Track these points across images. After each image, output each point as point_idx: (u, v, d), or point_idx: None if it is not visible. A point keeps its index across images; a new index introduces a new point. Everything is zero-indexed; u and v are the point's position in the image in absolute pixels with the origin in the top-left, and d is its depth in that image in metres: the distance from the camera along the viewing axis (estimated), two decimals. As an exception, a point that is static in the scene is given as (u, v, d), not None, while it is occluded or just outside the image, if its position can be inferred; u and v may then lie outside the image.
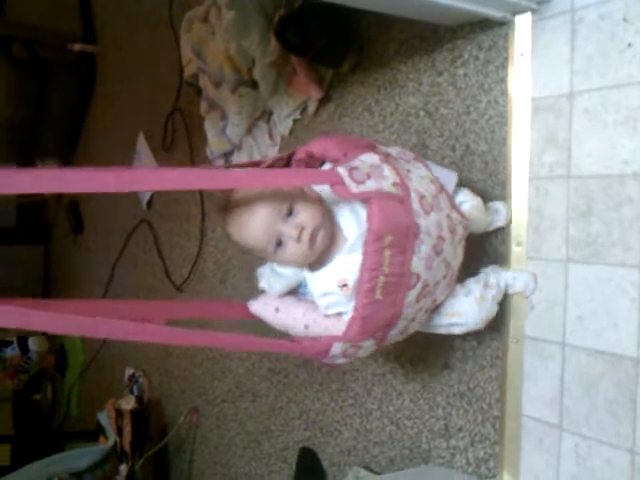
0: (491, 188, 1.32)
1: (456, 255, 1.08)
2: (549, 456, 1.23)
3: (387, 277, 0.93)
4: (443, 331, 1.16)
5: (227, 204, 0.99)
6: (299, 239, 0.96)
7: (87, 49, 3.43)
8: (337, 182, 0.92)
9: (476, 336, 1.34)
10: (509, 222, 1.28)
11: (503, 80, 1.30)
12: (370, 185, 0.92)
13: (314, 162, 1.05)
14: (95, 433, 2.76)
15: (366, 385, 1.64)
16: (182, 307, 1.21)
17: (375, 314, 0.94)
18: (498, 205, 1.28)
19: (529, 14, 1.25)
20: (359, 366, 1.66)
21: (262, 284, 1.08)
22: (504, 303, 1.29)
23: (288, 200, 0.96)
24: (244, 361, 2.17)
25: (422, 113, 1.49)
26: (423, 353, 1.47)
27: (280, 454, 1.99)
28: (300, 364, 1.89)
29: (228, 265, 2.26)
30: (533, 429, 1.25)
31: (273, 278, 1.06)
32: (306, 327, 1.01)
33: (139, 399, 2.75)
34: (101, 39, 3.49)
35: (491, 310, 1.18)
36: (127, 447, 2.58)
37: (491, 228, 1.30)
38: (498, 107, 1.31)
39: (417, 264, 0.96)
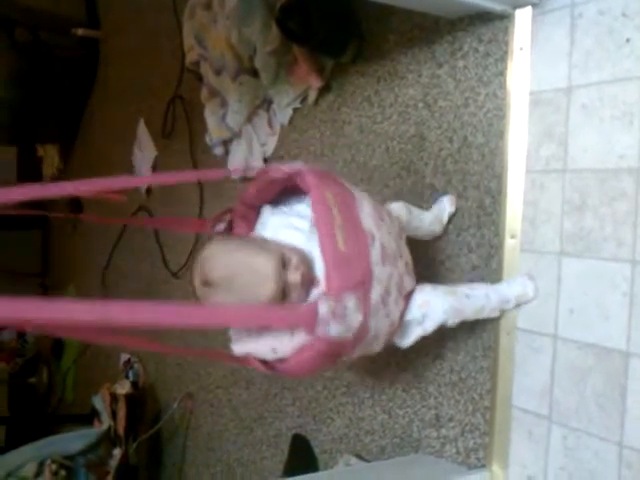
0: (487, 181, 1.33)
1: (400, 245, 1.11)
2: (538, 447, 1.24)
3: (343, 228, 0.97)
4: (419, 331, 1.17)
5: (214, 278, 1.00)
6: (303, 282, 1.00)
7: (90, 34, 3.42)
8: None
9: (468, 327, 1.35)
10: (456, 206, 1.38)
11: (502, 73, 1.31)
12: (299, 165, 1.04)
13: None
14: (90, 417, 2.77)
15: (359, 373, 1.65)
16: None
17: (345, 264, 0.96)
18: (441, 199, 1.38)
19: (529, 8, 1.26)
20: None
21: None
22: (497, 295, 1.30)
23: (278, 251, 1.00)
24: (239, 348, 2.18)
25: (421, 105, 1.49)
26: (416, 343, 1.48)
27: (273, 440, 2.00)
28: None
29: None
30: (523, 420, 1.26)
31: None
32: (273, 351, 1.01)
33: (134, 384, 2.76)
34: (104, 24, 3.48)
35: (463, 307, 1.19)
36: (121, 431, 2.59)
37: (445, 219, 1.38)
38: (496, 100, 1.32)
39: (367, 221, 1.02)
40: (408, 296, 1.13)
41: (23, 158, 3.94)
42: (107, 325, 0.80)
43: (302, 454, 1.82)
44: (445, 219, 1.38)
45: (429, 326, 1.16)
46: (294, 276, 0.99)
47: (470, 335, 1.36)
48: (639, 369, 1.08)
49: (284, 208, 1.11)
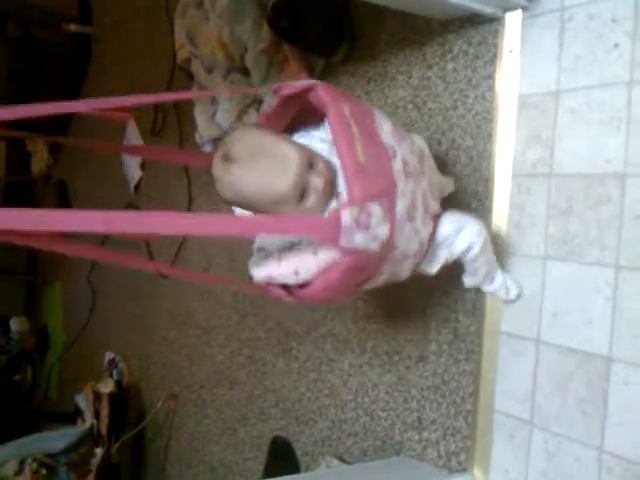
0: (474, 183, 1.33)
1: (423, 166, 1.08)
2: (519, 451, 1.23)
3: (362, 140, 0.94)
4: (446, 254, 1.12)
5: (237, 152, 0.95)
6: (324, 189, 0.95)
7: (82, 30, 3.40)
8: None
9: (452, 329, 1.35)
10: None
11: (491, 76, 1.31)
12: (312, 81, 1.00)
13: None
14: (73, 415, 2.75)
15: (342, 376, 1.64)
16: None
17: (366, 174, 0.93)
18: (448, 184, 1.35)
19: (519, 11, 1.26)
20: (336, 357, 1.66)
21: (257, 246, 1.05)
22: (481, 298, 1.30)
23: (307, 151, 0.97)
24: (223, 348, 2.17)
25: (410, 106, 1.49)
26: (399, 345, 1.47)
27: (255, 442, 1.99)
28: (279, 352, 1.89)
29: (211, 251, 2.26)
30: (504, 424, 1.26)
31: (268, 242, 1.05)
32: (296, 273, 0.97)
33: (118, 383, 2.74)
34: (97, 21, 3.47)
35: (488, 239, 1.16)
36: (104, 430, 2.57)
37: (445, 191, 1.33)
38: (485, 103, 1.32)
39: (386, 136, 0.99)
40: (436, 219, 1.09)
41: (12, 153, 3.92)
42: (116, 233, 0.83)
43: (283, 456, 1.81)
44: (445, 191, 1.33)
45: (457, 248, 1.12)
46: (317, 180, 0.95)
47: (453, 338, 1.35)
48: (621, 374, 1.08)
49: (302, 132, 1.07)
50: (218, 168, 0.97)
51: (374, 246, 0.94)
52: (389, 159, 0.98)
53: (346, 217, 0.89)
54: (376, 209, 0.93)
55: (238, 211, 1.06)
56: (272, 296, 1.01)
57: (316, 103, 0.99)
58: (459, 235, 1.11)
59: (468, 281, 1.24)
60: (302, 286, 0.99)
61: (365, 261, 0.95)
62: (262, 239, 1.05)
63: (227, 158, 0.95)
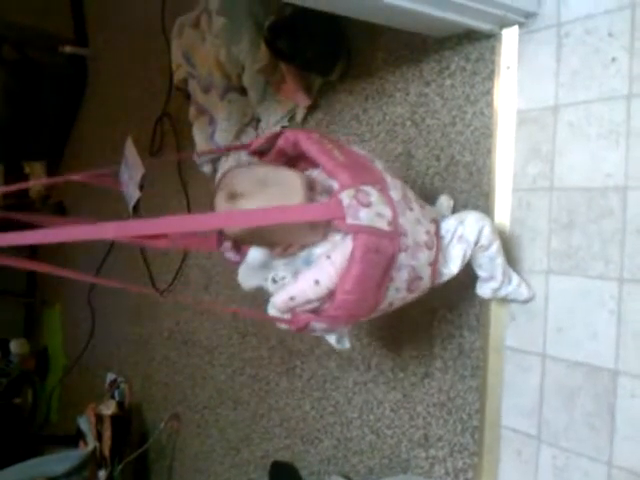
0: (475, 199, 1.33)
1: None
2: (527, 467, 1.23)
3: (339, 151, 1.02)
4: (462, 246, 1.12)
5: (243, 188, 0.97)
6: None
7: (78, 52, 3.41)
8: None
9: (457, 345, 1.35)
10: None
11: (489, 92, 1.31)
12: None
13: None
14: (75, 438, 2.73)
15: (347, 394, 1.63)
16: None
17: (353, 169, 0.99)
18: (442, 199, 1.36)
19: (516, 27, 1.26)
20: (340, 375, 1.65)
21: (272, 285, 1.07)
22: (485, 313, 1.29)
23: (304, 174, 1.02)
24: (226, 368, 2.16)
25: (408, 123, 1.49)
26: (404, 362, 1.47)
27: (260, 462, 1.98)
28: (282, 371, 1.88)
29: (212, 271, 2.25)
30: (512, 440, 1.25)
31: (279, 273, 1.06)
32: (316, 282, 0.97)
33: (120, 404, 2.72)
34: (92, 42, 3.48)
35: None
36: (106, 453, 2.55)
37: (446, 213, 1.33)
38: (483, 118, 1.32)
39: (360, 150, 1.09)
40: (436, 222, 1.10)
41: (10, 176, 3.91)
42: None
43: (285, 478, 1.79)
44: (445, 212, 1.33)
45: (470, 236, 1.12)
46: (322, 198, 0.98)
47: (458, 354, 1.35)
48: (628, 387, 1.07)
49: None
50: (223, 208, 0.98)
51: (382, 224, 0.95)
52: (370, 162, 1.05)
53: (345, 199, 0.94)
54: (372, 191, 0.96)
55: (252, 252, 1.10)
56: (297, 328, 1.00)
57: (286, 144, 1.06)
58: (464, 223, 1.13)
59: (485, 288, 1.23)
60: (327, 300, 0.99)
61: (378, 240, 0.95)
62: (274, 270, 1.06)
63: (232, 195, 0.97)
